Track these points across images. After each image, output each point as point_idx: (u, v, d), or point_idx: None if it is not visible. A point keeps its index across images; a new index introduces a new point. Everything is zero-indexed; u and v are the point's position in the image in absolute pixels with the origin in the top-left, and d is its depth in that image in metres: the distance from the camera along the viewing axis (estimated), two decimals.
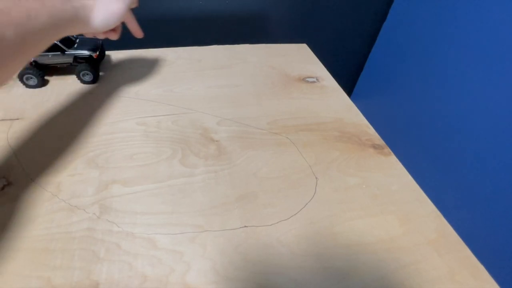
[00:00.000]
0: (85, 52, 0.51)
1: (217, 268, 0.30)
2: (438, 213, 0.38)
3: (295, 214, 0.36)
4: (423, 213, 0.37)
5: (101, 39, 0.54)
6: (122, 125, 0.45)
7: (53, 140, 0.42)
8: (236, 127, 0.47)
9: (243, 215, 0.35)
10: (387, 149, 0.45)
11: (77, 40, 0.52)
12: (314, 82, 0.58)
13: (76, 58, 0.51)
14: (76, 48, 0.51)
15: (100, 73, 0.54)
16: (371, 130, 0.49)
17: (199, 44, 0.65)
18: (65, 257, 0.30)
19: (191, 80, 0.55)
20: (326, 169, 0.42)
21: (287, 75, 0.60)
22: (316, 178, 0.40)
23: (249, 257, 0.31)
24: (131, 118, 0.46)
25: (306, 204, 0.37)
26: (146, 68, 0.57)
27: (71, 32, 0.35)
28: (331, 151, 0.44)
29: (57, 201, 0.35)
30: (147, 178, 0.38)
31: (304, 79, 0.59)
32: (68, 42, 0.51)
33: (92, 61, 0.52)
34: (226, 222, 0.34)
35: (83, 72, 0.51)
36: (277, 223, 0.35)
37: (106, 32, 0.44)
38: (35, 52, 0.31)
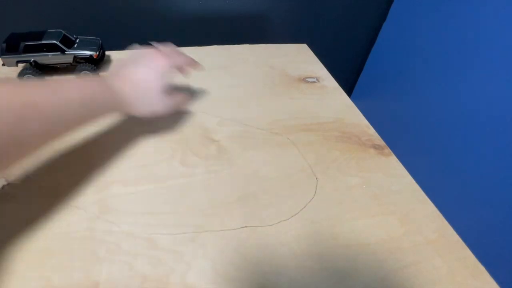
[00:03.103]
0: (86, 52, 0.51)
1: (217, 268, 0.30)
2: (438, 213, 0.38)
3: (295, 214, 0.36)
4: (423, 213, 0.37)
5: (100, 39, 0.55)
6: (122, 125, 0.45)
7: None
8: (236, 127, 0.47)
9: (243, 215, 0.35)
10: (387, 150, 0.45)
11: (77, 40, 0.52)
12: (314, 82, 0.58)
13: (76, 58, 0.51)
14: (76, 48, 0.51)
15: (100, 73, 0.54)
16: (371, 130, 0.49)
17: (199, 44, 0.65)
18: (65, 257, 0.30)
19: (191, 80, 0.55)
20: (326, 169, 0.41)
21: (287, 75, 0.59)
22: (316, 178, 0.40)
23: (249, 257, 0.31)
24: (131, 118, 0.46)
25: (307, 204, 0.37)
26: None
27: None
28: (331, 151, 0.44)
29: (57, 202, 0.34)
30: (147, 178, 0.38)
31: (304, 79, 0.59)
32: (68, 42, 0.51)
33: (92, 61, 0.52)
34: (226, 222, 0.34)
35: (83, 72, 0.51)
36: (277, 223, 0.35)
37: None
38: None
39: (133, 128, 0.44)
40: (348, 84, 1.05)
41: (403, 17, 0.80)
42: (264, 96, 0.54)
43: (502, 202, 0.59)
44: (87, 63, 0.51)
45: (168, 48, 0.42)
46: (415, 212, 0.37)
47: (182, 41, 0.69)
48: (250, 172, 0.40)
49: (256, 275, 0.30)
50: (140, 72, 0.37)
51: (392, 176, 0.42)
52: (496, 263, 0.35)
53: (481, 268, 0.33)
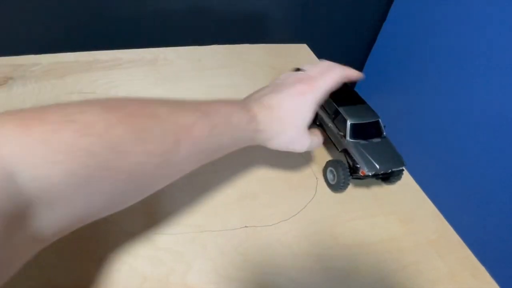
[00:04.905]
0: None
1: (217, 268, 0.30)
2: (439, 213, 0.38)
3: (295, 214, 0.36)
4: (424, 214, 0.37)
5: None
6: None
7: None
8: None
9: (243, 215, 0.35)
10: None
11: None
12: None
13: None
14: None
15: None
16: None
17: (199, 44, 0.65)
18: (65, 257, 0.30)
19: (191, 80, 0.55)
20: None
21: None
22: (316, 178, 0.40)
23: (249, 257, 0.31)
24: None
25: (307, 204, 0.37)
26: (146, 68, 0.57)
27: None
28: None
29: None
30: None
31: None
32: None
33: None
34: (226, 222, 0.34)
35: None
36: (277, 223, 0.35)
37: None
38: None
39: None
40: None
41: (403, 17, 0.80)
42: None
43: (502, 202, 0.59)
44: None
45: (319, 69, 0.36)
46: (415, 212, 0.37)
47: (182, 40, 0.69)
48: (250, 172, 0.40)
49: (256, 275, 0.30)
50: (284, 102, 0.32)
51: None
52: (496, 263, 0.35)
53: (481, 268, 0.33)
